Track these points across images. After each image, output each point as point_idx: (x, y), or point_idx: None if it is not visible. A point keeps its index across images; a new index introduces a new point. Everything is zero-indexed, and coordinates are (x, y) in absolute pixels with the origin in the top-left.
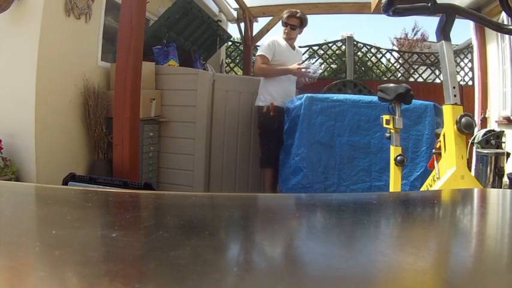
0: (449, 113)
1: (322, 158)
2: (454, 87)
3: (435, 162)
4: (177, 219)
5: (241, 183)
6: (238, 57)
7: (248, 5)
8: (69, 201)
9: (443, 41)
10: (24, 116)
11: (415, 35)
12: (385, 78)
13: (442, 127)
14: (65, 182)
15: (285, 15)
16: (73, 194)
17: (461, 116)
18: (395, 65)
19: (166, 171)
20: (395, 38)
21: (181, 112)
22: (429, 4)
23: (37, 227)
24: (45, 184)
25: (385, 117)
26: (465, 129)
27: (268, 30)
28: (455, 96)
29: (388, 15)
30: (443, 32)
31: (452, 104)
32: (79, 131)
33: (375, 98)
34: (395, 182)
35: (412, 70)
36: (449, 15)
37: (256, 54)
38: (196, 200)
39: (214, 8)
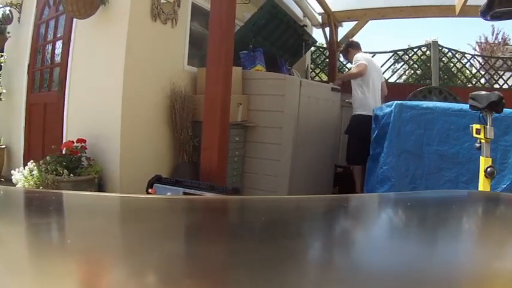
0: None
1: (410, 167)
2: None
3: None
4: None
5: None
6: (323, 63)
7: (333, 10)
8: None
9: None
10: (109, 118)
11: (495, 38)
12: (470, 85)
13: None
14: (151, 184)
15: None
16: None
17: None
18: (480, 70)
19: (250, 175)
20: (476, 42)
21: (268, 117)
22: None
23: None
24: (129, 185)
25: (475, 126)
26: None
27: (353, 35)
28: None
29: (486, 19)
30: None
31: None
32: (164, 134)
33: (464, 106)
34: None
35: (498, 76)
36: None
37: None
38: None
39: (299, 13)
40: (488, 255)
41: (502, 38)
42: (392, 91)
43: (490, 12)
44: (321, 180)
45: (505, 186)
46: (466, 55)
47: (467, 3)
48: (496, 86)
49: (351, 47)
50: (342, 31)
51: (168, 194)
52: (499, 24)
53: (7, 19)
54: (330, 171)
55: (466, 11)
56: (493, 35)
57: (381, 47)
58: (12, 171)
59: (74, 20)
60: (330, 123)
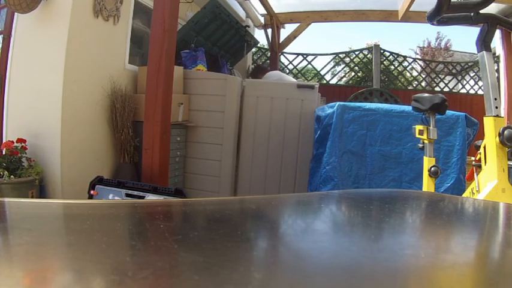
0: (491, 125)
1: (353, 167)
2: (495, 99)
3: (475, 174)
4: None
5: (272, 191)
6: (264, 64)
7: (276, 11)
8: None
9: (484, 52)
10: (50, 116)
11: (438, 44)
12: (411, 88)
13: (472, 138)
14: (92, 185)
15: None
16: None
17: (505, 128)
18: (421, 74)
19: (192, 176)
20: (418, 46)
21: (209, 117)
22: (472, 14)
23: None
24: (71, 186)
25: (418, 127)
26: (508, 141)
27: (295, 37)
28: (496, 108)
29: (433, 24)
30: (484, 43)
31: (494, 116)
32: (105, 134)
33: (407, 108)
34: None
35: (438, 79)
36: (490, 25)
37: None
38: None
39: (242, 13)
40: (425, 250)
41: (444, 44)
42: (333, 93)
43: (437, 17)
44: (288, 181)
45: (448, 184)
46: (408, 59)
47: (410, 9)
48: (437, 89)
49: (261, 73)
50: (284, 33)
51: (110, 195)
52: (444, 31)
53: None
54: (302, 171)
55: (409, 17)
56: (436, 40)
57: (322, 49)
58: None
59: (15, 14)
60: (300, 122)
